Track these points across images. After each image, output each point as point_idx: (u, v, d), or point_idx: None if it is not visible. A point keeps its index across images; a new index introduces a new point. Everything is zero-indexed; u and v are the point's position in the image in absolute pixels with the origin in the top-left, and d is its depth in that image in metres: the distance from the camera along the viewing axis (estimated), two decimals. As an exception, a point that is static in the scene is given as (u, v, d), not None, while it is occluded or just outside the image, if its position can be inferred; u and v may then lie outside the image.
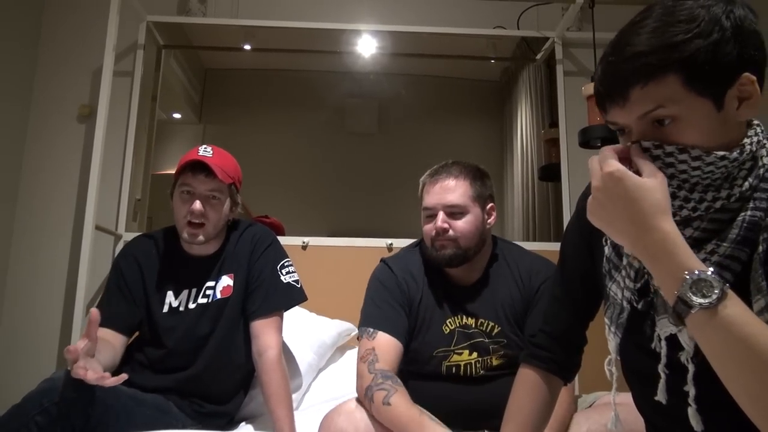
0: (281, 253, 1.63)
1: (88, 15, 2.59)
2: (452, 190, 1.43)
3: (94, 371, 1.12)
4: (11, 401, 1.22)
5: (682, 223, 0.73)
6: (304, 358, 1.76)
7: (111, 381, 1.13)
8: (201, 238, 1.51)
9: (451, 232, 1.41)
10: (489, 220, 1.47)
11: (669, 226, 0.68)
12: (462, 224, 1.41)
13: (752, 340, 0.60)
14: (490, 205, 1.48)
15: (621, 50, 0.72)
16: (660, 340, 0.78)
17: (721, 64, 0.68)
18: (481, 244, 1.45)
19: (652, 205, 0.69)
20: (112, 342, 1.47)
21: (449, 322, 1.43)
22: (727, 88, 0.70)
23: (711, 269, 0.64)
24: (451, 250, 1.41)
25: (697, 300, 0.63)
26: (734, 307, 0.63)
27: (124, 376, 1.16)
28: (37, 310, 2.37)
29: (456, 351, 1.41)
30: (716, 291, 0.63)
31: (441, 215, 1.42)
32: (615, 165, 0.71)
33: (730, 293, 0.63)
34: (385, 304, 1.42)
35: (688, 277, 0.64)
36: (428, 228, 1.45)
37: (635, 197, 0.69)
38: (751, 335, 0.61)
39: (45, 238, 2.43)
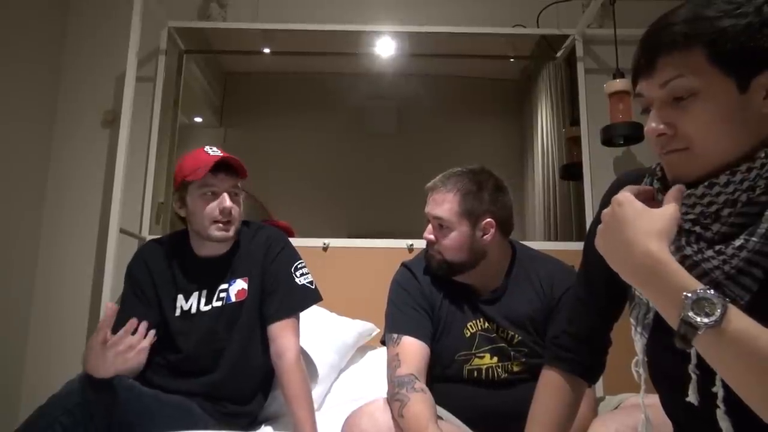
0: (294, 255, 1.65)
1: (111, 22, 2.64)
2: (440, 204, 1.41)
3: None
4: (39, 402, 1.25)
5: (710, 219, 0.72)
6: (325, 358, 1.76)
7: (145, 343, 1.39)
8: (231, 233, 1.55)
9: (436, 245, 1.41)
10: (485, 237, 1.40)
11: (658, 248, 0.67)
12: (445, 240, 1.40)
13: (763, 352, 0.59)
14: (486, 221, 1.39)
15: (658, 23, 0.74)
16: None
17: (750, 47, 0.68)
18: (473, 259, 1.40)
19: (647, 229, 0.69)
20: None
21: (470, 325, 1.41)
22: (755, 74, 0.69)
23: (709, 287, 0.63)
24: (437, 263, 1.42)
25: (702, 320, 0.62)
26: (740, 321, 0.61)
27: (151, 333, 1.42)
28: (64, 312, 2.42)
29: (477, 354, 1.38)
30: (719, 308, 0.61)
31: (429, 226, 1.43)
32: (625, 194, 0.74)
33: (732, 308, 0.62)
34: (407, 307, 1.41)
35: (689, 295, 0.63)
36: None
37: (633, 221, 0.70)
38: (762, 348, 0.59)
39: (71, 241, 2.48)
